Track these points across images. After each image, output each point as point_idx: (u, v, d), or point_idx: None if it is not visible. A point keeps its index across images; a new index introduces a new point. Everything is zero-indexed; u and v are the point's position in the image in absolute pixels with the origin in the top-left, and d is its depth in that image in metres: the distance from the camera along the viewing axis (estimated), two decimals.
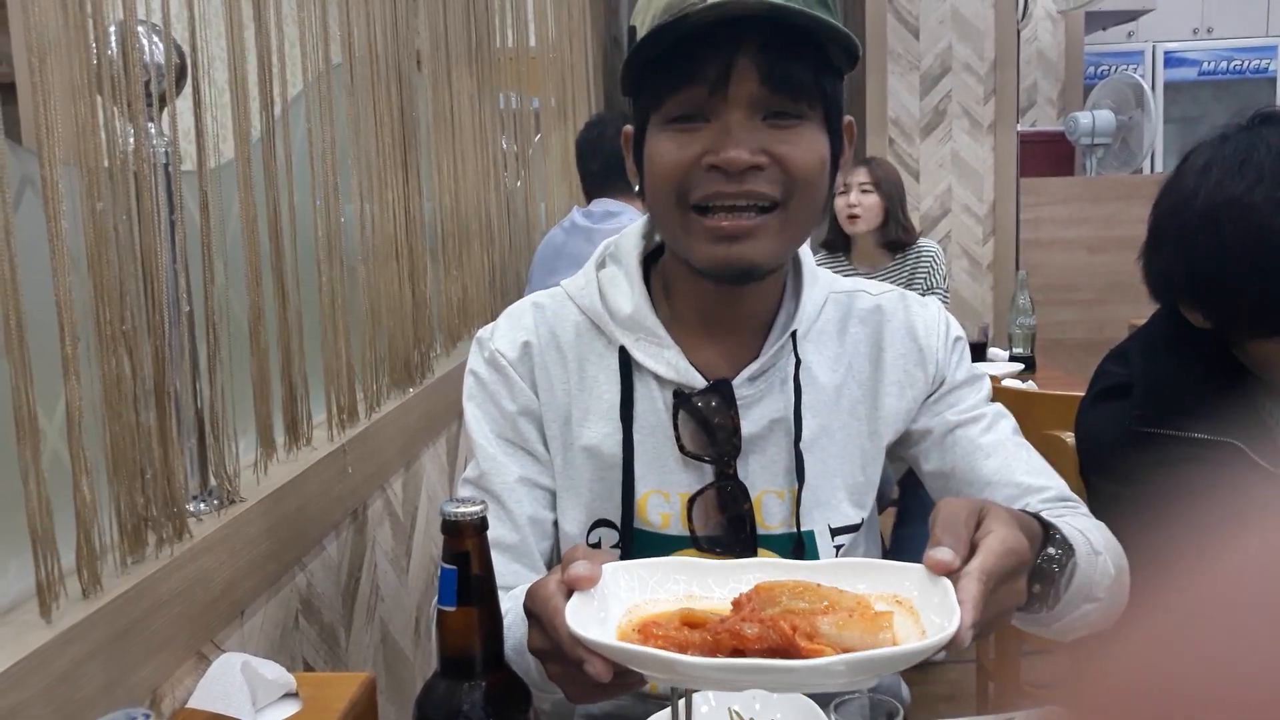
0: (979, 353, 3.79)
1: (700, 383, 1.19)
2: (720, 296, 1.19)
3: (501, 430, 1.22)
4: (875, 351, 1.25)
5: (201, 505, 1.26)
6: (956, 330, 1.28)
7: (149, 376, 1.14)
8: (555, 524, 1.24)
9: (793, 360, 1.20)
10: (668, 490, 1.20)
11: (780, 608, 0.83)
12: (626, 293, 1.22)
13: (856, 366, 1.24)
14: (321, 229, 1.60)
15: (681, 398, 1.18)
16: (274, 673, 1.15)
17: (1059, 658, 2.24)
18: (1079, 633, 1.11)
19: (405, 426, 1.92)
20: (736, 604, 0.86)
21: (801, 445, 1.20)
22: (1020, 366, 3.49)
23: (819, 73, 1.09)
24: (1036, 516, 1.01)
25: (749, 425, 1.19)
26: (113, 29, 1.10)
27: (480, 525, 0.91)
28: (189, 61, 1.23)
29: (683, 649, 0.81)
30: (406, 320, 1.99)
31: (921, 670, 3.41)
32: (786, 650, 0.79)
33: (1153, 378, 1.41)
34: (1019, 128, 5.45)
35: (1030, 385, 3.20)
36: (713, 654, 0.80)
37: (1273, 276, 1.21)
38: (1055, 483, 1.21)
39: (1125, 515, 1.17)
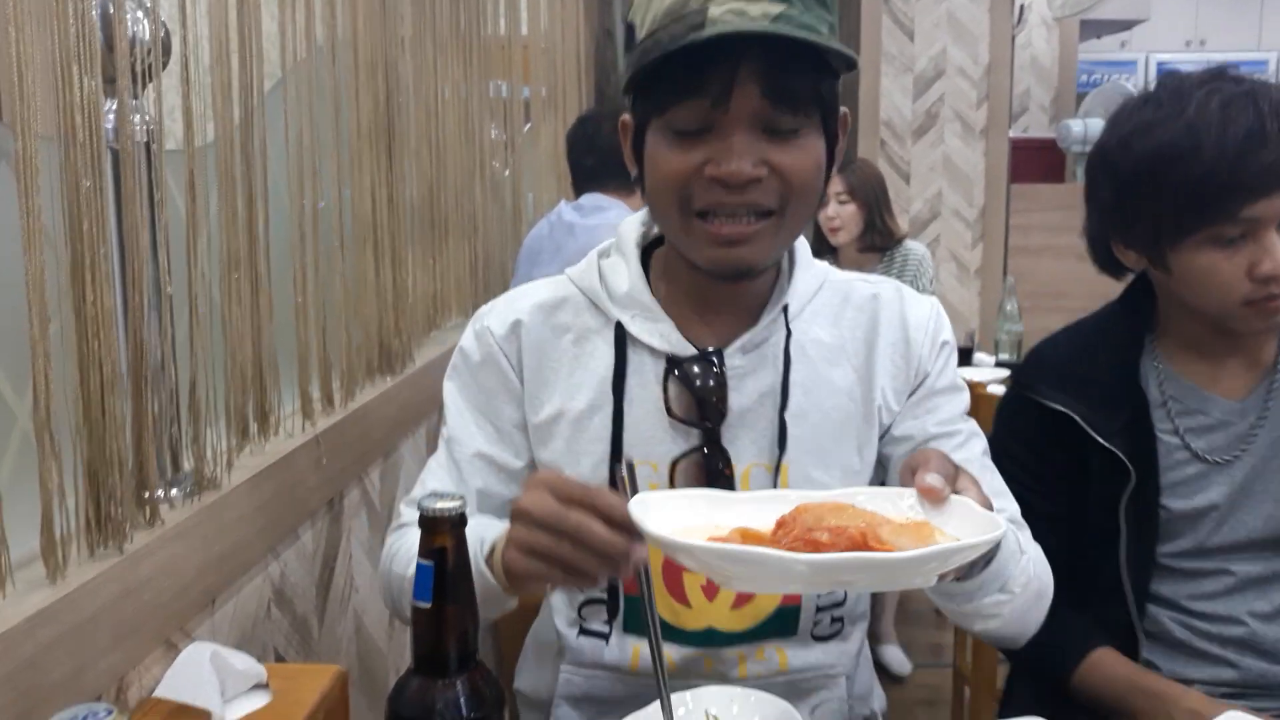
0: (965, 357, 3.78)
1: (692, 352, 1.23)
2: (717, 284, 1.22)
3: (476, 403, 1.29)
4: (871, 337, 1.28)
5: (175, 491, 1.24)
6: (947, 335, 1.31)
7: (126, 359, 1.12)
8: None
9: (784, 333, 1.24)
10: (655, 460, 1.22)
11: (828, 523, 0.89)
12: (624, 274, 1.27)
13: (851, 350, 1.27)
14: (297, 214, 1.58)
15: (672, 363, 1.22)
16: (244, 663, 1.13)
17: None
18: (987, 623, 1.18)
19: (384, 416, 1.90)
20: (780, 523, 0.91)
21: (788, 416, 1.22)
22: (1006, 373, 3.49)
23: (817, 81, 1.13)
24: None
25: (739, 398, 1.23)
26: (96, 3, 1.08)
27: (458, 521, 0.90)
28: (174, 38, 1.21)
29: None
30: (386, 308, 1.96)
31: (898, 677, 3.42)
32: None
33: (1044, 348, 1.60)
34: (1011, 133, 5.45)
35: None
36: None
37: (1184, 169, 1.36)
38: (1010, 506, 1.26)
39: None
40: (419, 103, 2.23)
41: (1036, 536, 1.27)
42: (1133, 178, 1.43)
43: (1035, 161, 5.79)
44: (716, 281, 1.20)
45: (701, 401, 1.22)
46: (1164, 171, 1.38)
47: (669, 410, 1.22)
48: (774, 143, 1.11)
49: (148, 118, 1.16)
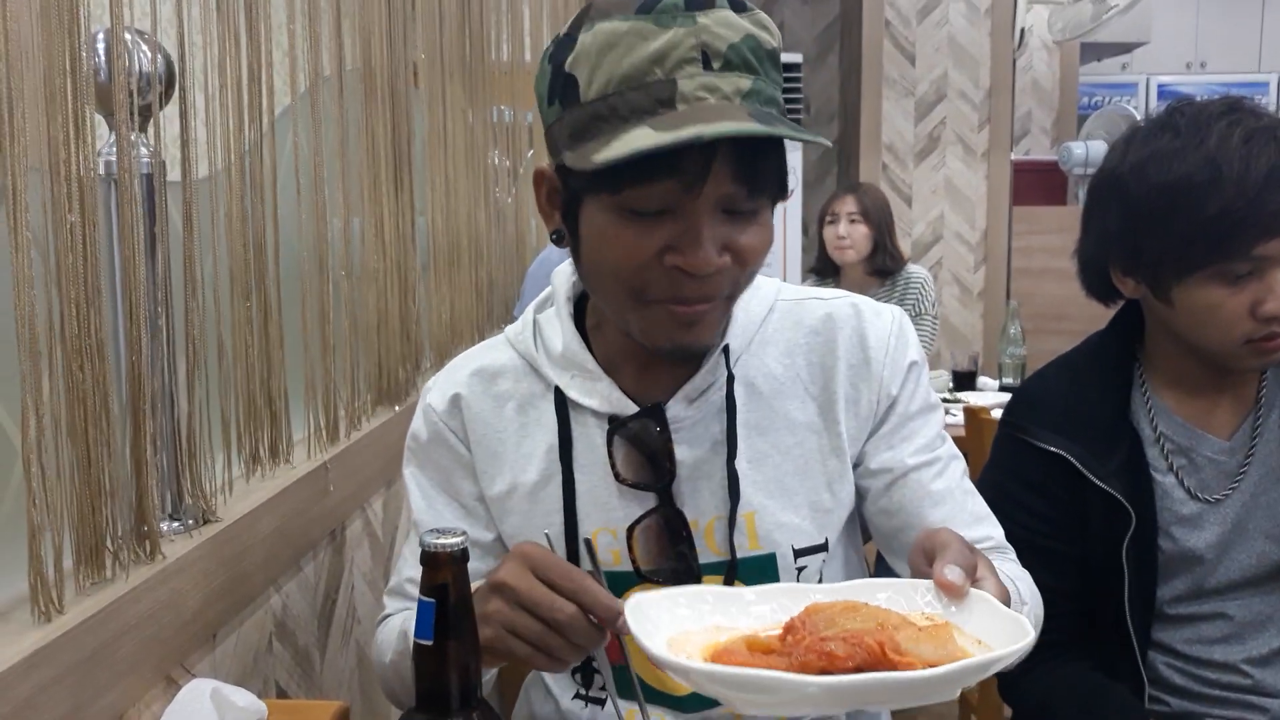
0: (968, 381, 3.78)
1: (634, 410, 1.17)
2: None
3: (436, 482, 1.26)
4: (828, 363, 1.20)
5: (175, 524, 1.23)
6: (914, 353, 1.22)
7: (123, 391, 1.11)
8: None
9: (725, 376, 1.17)
10: (615, 527, 1.18)
11: (839, 628, 0.83)
12: (559, 331, 1.21)
13: (808, 379, 1.20)
14: (308, 244, 1.57)
15: (615, 424, 1.16)
16: (245, 700, 1.11)
17: None
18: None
19: (387, 445, 1.89)
20: (789, 628, 0.86)
21: (742, 464, 1.16)
22: (1009, 397, 3.48)
23: (782, 158, 1.07)
24: None
25: (691, 450, 1.17)
26: (100, 35, 1.07)
27: (460, 557, 0.89)
28: (177, 70, 1.20)
29: None
30: (394, 337, 1.96)
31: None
32: (875, 666, 0.80)
33: (1034, 385, 1.60)
34: (1012, 156, 5.47)
35: None
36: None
37: (1199, 202, 1.34)
38: (995, 531, 1.23)
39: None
40: (430, 131, 2.23)
41: (1040, 576, 1.22)
42: (1145, 206, 1.40)
43: (1037, 184, 5.79)
44: (671, 361, 1.14)
45: (651, 461, 1.16)
46: (1180, 203, 1.36)
47: (617, 475, 1.16)
48: (734, 225, 1.04)
49: (148, 150, 1.16)
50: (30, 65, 0.95)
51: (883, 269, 3.79)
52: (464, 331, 2.48)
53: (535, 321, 1.25)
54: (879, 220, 3.75)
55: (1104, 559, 1.45)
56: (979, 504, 1.23)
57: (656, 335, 1.08)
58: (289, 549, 1.48)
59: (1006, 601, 0.90)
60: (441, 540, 0.88)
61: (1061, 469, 1.46)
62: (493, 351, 1.27)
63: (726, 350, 1.17)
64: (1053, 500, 1.47)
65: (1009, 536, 1.25)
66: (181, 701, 1.09)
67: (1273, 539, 1.45)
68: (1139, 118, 5.66)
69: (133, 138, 1.12)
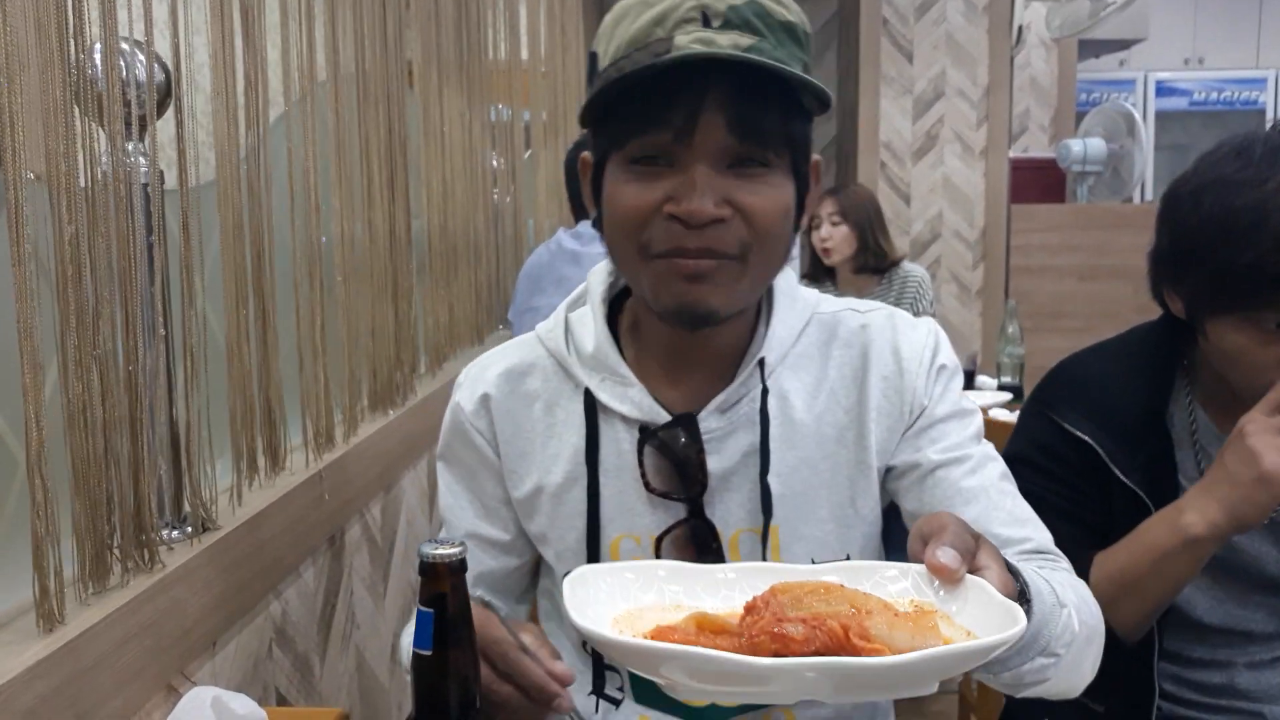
0: (967, 381, 3.78)
1: (666, 419, 1.15)
2: (686, 336, 1.14)
3: (461, 478, 1.25)
4: (861, 375, 1.18)
5: (174, 533, 1.23)
6: (945, 358, 1.20)
7: (122, 401, 1.11)
8: (518, 569, 1.26)
9: (760, 389, 1.16)
10: (639, 534, 1.16)
11: (806, 610, 0.77)
12: (591, 332, 1.20)
13: (840, 392, 1.18)
14: (303, 249, 1.58)
15: (646, 433, 1.15)
16: (245, 707, 1.12)
17: None
18: (1031, 689, 1.04)
19: (385, 450, 1.89)
20: (750, 607, 0.80)
21: (772, 478, 1.14)
22: (1009, 396, 3.48)
23: (787, 119, 1.06)
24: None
25: (721, 461, 1.15)
26: (97, 46, 1.08)
27: (459, 567, 0.88)
28: (173, 79, 1.21)
29: None
30: (389, 341, 1.96)
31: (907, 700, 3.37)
32: (836, 652, 0.73)
33: (1071, 366, 1.53)
34: (1010, 154, 5.46)
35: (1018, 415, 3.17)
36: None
37: (1236, 248, 1.29)
38: (1038, 535, 1.16)
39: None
40: (426, 133, 2.23)
41: (1062, 528, 1.17)
42: (1189, 235, 1.35)
43: (1035, 181, 5.77)
44: (682, 329, 1.12)
45: (680, 470, 1.15)
46: (1219, 242, 1.31)
47: (646, 484, 1.15)
48: (740, 181, 1.04)
49: (145, 159, 1.16)
50: (29, 77, 0.96)
51: (870, 267, 3.80)
52: (461, 335, 2.48)
53: (567, 320, 1.23)
54: (859, 219, 3.76)
55: None
56: (1020, 506, 1.17)
57: (663, 293, 1.08)
58: (288, 555, 1.48)
59: (1010, 594, 0.85)
60: (440, 551, 0.87)
61: (1087, 455, 1.42)
62: (522, 349, 1.25)
63: (762, 363, 1.16)
64: (1077, 475, 1.44)
65: (1027, 496, 1.19)
66: (183, 709, 1.09)
67: None
68: (1138, 116, 5.67)
69: (129, 147, 1.12)
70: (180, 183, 1.22)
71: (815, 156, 1.13)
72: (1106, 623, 1.15)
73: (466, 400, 1.23)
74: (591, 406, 1.17)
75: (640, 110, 1.03)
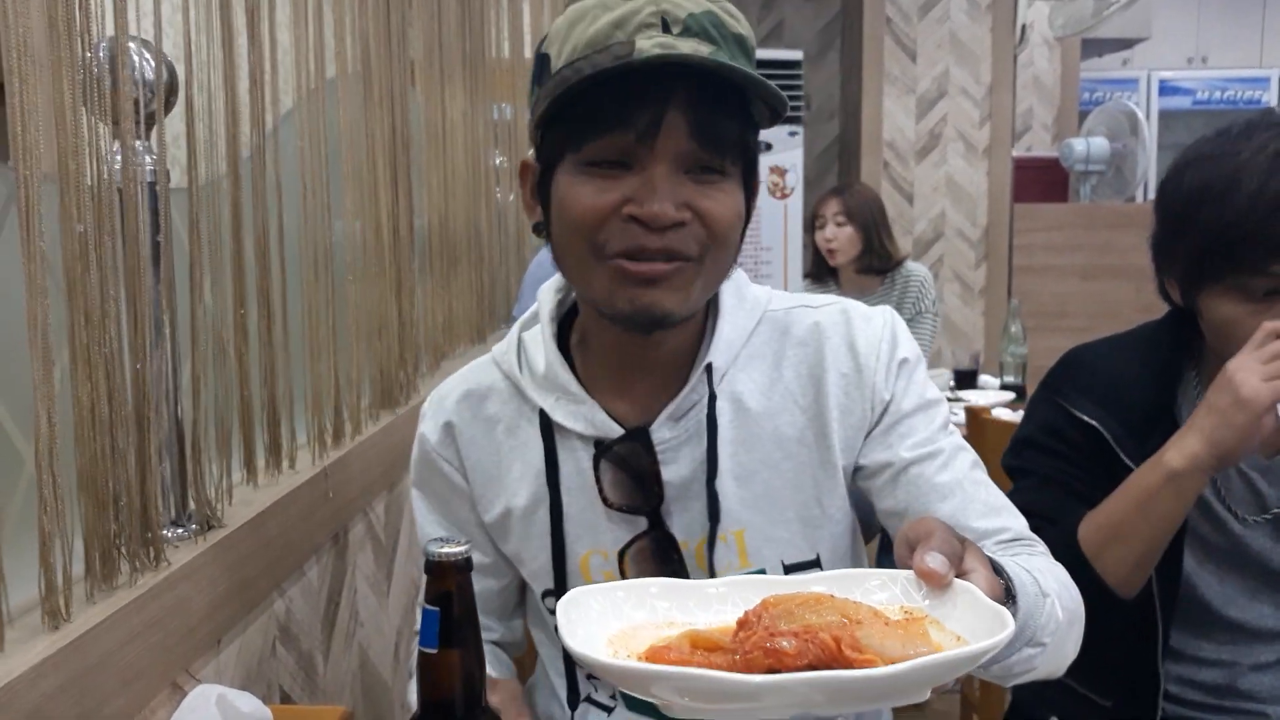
0: (970, 380, 3.78)
1: (619, 433, 1.16)
2: (635, 343, 1.14)
3: (435, 506, 1.27)
4: (818, 373, 1.18)
5: (180, 531, 1.23)
6: (904, 350, 1.19)
7: (129, 399, 1.11)
8: (502, 590, 1.28)
9: (708, 395, 1.16)
10: (605, 549, 1.17)
11: (799, 623, 0.77)
12: (543, 351, 1.20)
13: (797, 391, 1.18)
14: (310, 247, 1.58)
15: (600, 448, 1.16)
16: (250, 705, 1.12)
17: None
18: (1020, 678, 1.06)
19: (389, 447, 1.89)
20: (743, 623, 0.80)
21: (731, 482, 1.15)
22: (1012, 395, 3.48)
23: (743, 128, 1.07)
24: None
25: (677, 470, 1.16)
26: (103, 44, 1.08)
27: (464, 565, 0.89)
28: (180, 78, 1.21)
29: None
30: (393, 339, 1.96)
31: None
32: (829, 664, 0.74)
33: (1081, 354, 1.55)
34: (1014, 153, 5.46)
35: (1021, 415, 3.17)
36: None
37: (1214, 210, 1.34)
38: (1014, 522, 1.16)
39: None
40: (429, 131, 2.23)
41: (1074, 517, 1.18)
42: (1172, 212, 1.41)
43: (1038, 180, 5.78)
44: (633, 333, 1.11)
45: (638, 483, 1.15)
46: (1196, 211, 1.36)
47: (605, 499, 1.15)
48: (698, 186, 1.05)
49: (152, 157, 1.16)
50: (41, 77, 0.96)
51: (874, 268, 3.80)
52: (462, 333, 2.48)
53: (520, 340, 1.24)
54: (864, 220, 3.75)
55: None
56: (993, 494, 1.18)
57: (616, 297, 1.07)
58: (292, 553, 1.48)
59: (997, 596, 0.86)
60: (446, 549, 0.88)
61: (1095, 440, 1.44)
62: (480, 372, 1.26)
63: (709, 368, 1.16)
64: (1085, 458, 1.45)
65: (1034, 476, 1.19)
66: (187, 707, 1.09)
67: None
68: (1141, 116, 5.66)
69: (138, 146, 1.12)
70: (189, 181, 1.23)
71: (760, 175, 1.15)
72: (1100, 578, 1.17)
73: (431, 431, 1.25)
74: (548, 427, 1.18)
75: (603, 112, 1.03)
